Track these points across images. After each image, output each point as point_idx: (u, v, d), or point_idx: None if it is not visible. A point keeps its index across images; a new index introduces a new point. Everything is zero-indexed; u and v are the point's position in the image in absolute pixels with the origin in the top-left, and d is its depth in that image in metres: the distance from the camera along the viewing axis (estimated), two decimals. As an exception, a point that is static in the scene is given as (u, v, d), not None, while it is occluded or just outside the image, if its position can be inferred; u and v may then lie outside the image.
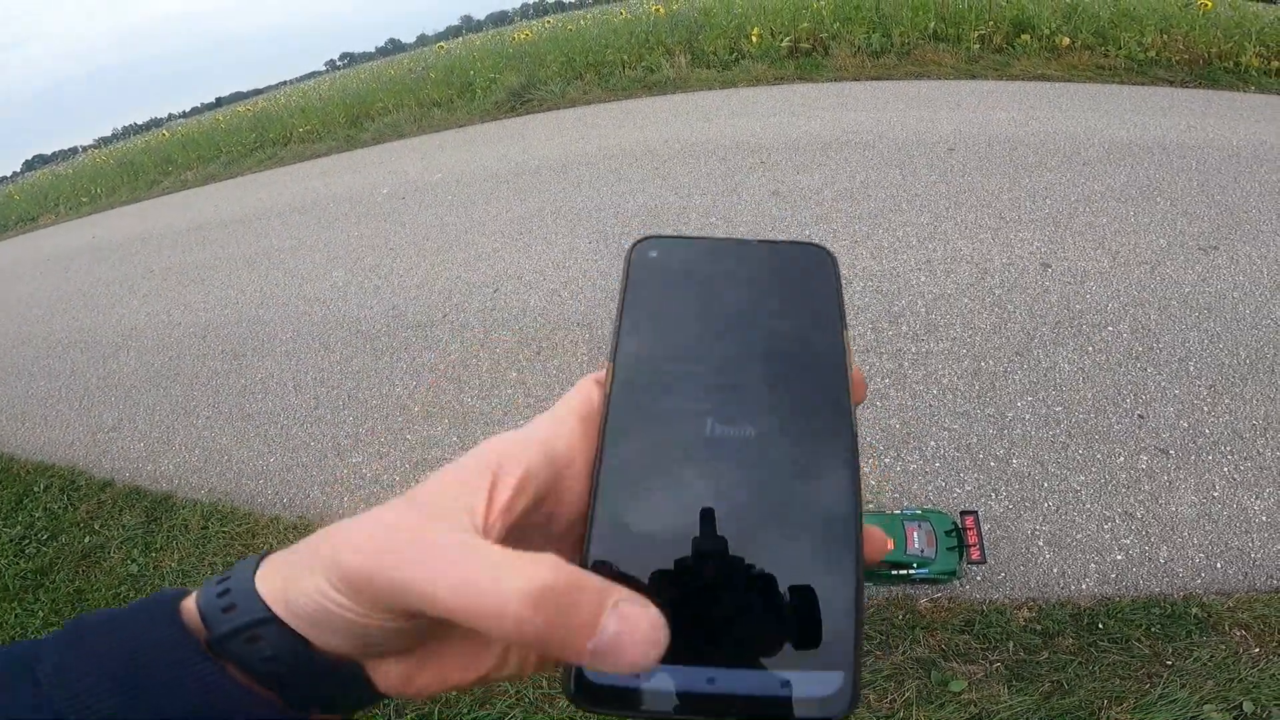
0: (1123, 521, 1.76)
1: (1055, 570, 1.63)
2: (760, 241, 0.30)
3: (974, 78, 5.49)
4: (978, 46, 5.61)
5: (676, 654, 0.22)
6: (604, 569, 0.23)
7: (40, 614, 2.25)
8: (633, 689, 0.22)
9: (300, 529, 2.26)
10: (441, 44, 10.81)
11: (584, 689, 0.22)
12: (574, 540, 0.25)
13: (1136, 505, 1.81)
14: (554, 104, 6.54)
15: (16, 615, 2.28)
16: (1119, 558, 1.65)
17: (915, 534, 1.58)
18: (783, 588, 0.23)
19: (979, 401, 2.24)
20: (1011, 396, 2.26)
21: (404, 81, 8.40)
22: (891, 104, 5.07)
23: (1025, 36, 5.48)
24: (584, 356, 2.78)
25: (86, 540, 2.52)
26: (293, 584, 0.23)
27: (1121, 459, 1.98)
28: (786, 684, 0.22)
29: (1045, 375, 2.36)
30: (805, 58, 5.93)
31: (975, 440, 2.07)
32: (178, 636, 0.23)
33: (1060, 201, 3.47)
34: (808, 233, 3.34)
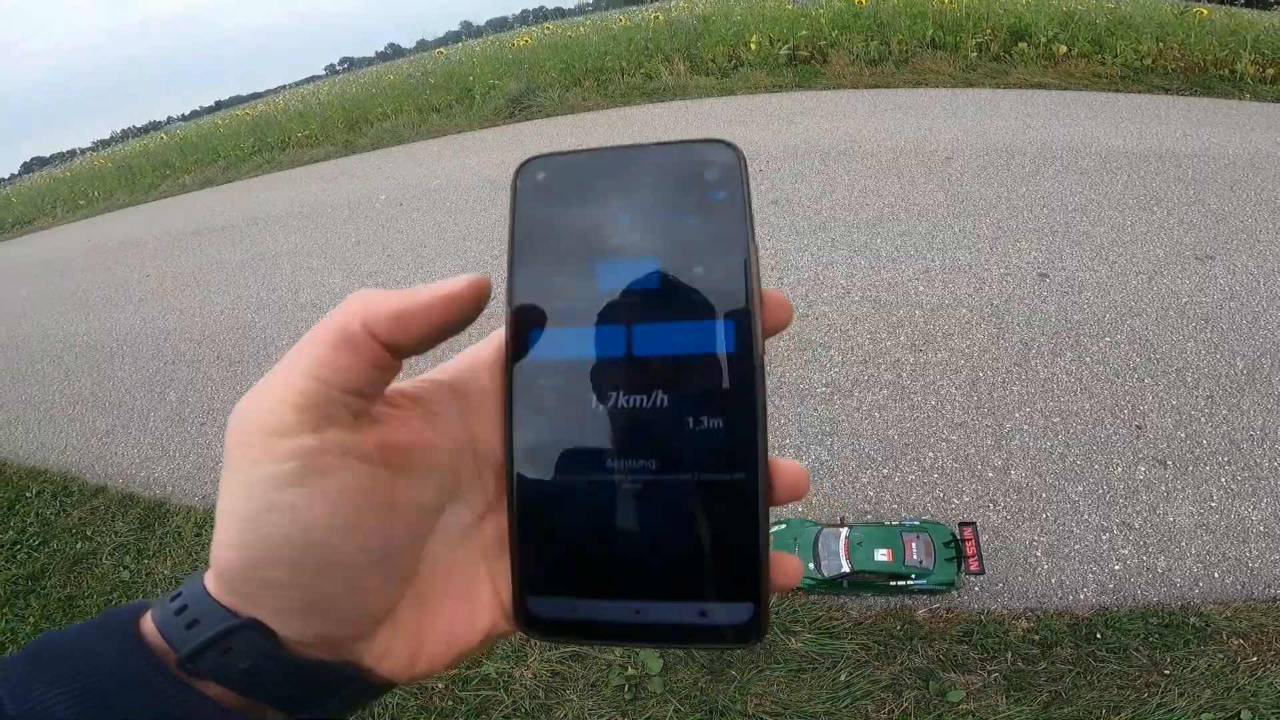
0: (1121, 532, 1.76)
1: (1053, 580, 1.63)
2: (657, 145, 0.27)
3: (971, 86, 5.52)
4: (975, 55, 5.64)
5: (607, 590, 0.25)
6: (529, 517, 0.25)
7: (31, 620, 2.23)
8: (570, 619, 0.25)
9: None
10: (441, 50, 10.83)
11: (530, 620, 0.25)
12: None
13: (1134, 515, 1.81)
14: (553, 111, 6.55)
15: (7, 621, 2.26)
16: (1117, 568, 1.65)
17: (914, 545, 1.58)
18: (695, 527, 0.24)
19: (977, 412, 2.23)
20: (1010, 407, 2.26)
21: (403, 87, 8.42)
22: (889, 112, 5.10)
23: (1022, 45, 5.52)
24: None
25: (78, 546, 2.51)
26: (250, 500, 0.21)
27: (1119, 470, 1.98)
28: (704, 613, 0.24)
29: (1043, 386, 2.36)
30: (803, 65, 5.95)
31: (973, 451, 2.07)
32: (144, 660, 0.22)
33: (1057, 211, 3.49)
34: (806, 242, 3.35)
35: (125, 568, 2.33)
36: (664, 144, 0.27)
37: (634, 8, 9.16)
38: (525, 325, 0.26)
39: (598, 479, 0.25)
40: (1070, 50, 5.35)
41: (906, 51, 5.74)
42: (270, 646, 0.22)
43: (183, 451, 2.99)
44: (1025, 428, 2.17)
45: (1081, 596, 1.59)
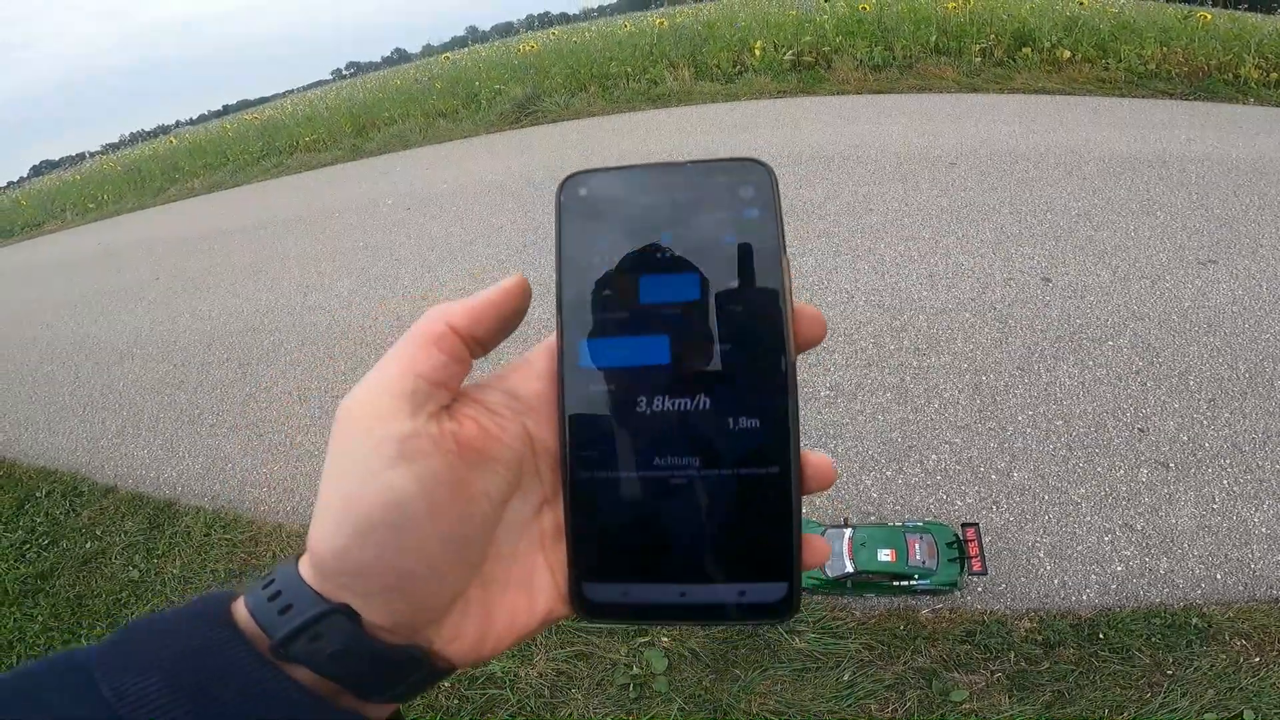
0: (1123, 533, 1.77)
1: (1056, 581, 1.64)
2: (693, 163, 0.29)
3: (975, 91, 5.54)
4: (979, 60, 5.67)
5: (655, 575, 0.27)
6: (583, 511, 0.28)
7: (39, 618, 2.25)
8: (622, 603, 0.27)
9: (303, 537, 2.27)
10: (447, 54, 10.91)
11: (585, 605, 0.27)
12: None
13: (1137, 517, 1.82)
14: (558, 115, 6.59)
15: (15, 620, 2.29)
16: (1119, 569, 1.66)
17: (917, 546, 1.59)
18: (736, 517, 0.27)
19: (980, 415, 2.25)
20: (1013, 410, 2.27)
21: (410, 92, 8.48)
22: (893, 117, 5.12)
23: (1026, 49, 5.54)
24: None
25: (88, 546, 2.53)
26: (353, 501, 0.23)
27: (1122, 472, 1.99)
28: (743, 593, 0.27)
29: (1046, 389, 2.37)
30: (808, 71, 5.99)
31: (976, 453, 2.08)
32: (238, 645, 0.23)
33: (1061, 215, 3.50)
34: (810, 247, 3.37)
35: (135, 567, 2.36)
36: (701, 162, 0.29)
37: (640, 14, 9.22)
38: (576, 334, 0.28)
39: (645, 475, 0.27)
40: (1074, 55, 5.36)
41: (910, 57, 5.77)
42: (357, 631, 0.24)
43: (192, 452, 3.02)
44: (1028, 430, 2.19)
45: (1084, 597, 1.60)
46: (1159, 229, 3.26)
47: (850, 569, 1.59)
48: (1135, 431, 2.16)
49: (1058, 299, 2.87)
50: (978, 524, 1.66)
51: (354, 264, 4.57)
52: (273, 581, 0.25)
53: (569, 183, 0.30)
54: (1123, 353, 2.51)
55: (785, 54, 6.01)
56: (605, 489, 0.27)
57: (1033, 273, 3.07)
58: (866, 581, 1.60)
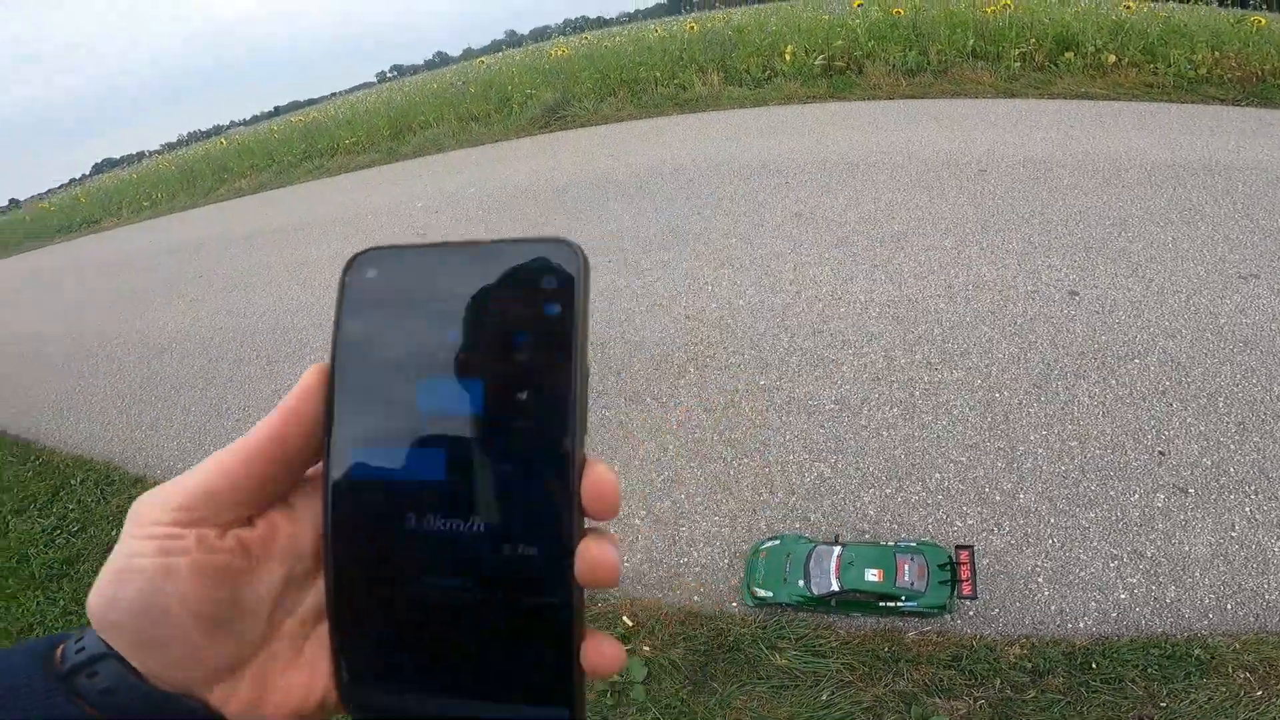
0: (1131, 560, 1.70)
1: (1053, 608, 1.58)
2: (495, 243, 0.26)
3: (1013, 96, 5.37)
4: (1018, 65, 5.50)
5: (425, 687, 0.26)
6: (345, 620, 0.27)
7: (61, 603, 2.38)
8: (390, 712, 0.27)
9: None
10: (482, 59, 11.10)
11: (354, 706, 0.27)
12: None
13: (1148, 544, 1.75)
14: (587, 120, 6.65)
15: (38, 603, 2.42)
16: (1123, 596, 1.60)
17: (906, 566, 1.56)
18: (511, 641, 0.25)
19: (990, 434, 2.18)
20: (1025, 429, 2.20)
21: (445, 96, 8.66)
22: (924, 123, 5.01)
23: (1069, 54, 5.35)
24: (594, 377, 2.81)
25: (114, 533, 2.64)
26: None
27: (1136, 496, 1.91)
28: (522, 714, 0.25)
29: (1063, 408, 2.29)
30: (839, 76, 5.90)
31: (982, 473, 2.02)
32: (40, 674, 0.28)
33: (1094, 225, 3.37)
34: (827, 256, 3.32)
35: (155, 554, 2.47)
36: (503, 242, 0.26)
37: (672, 18, 9.23)
38: (346, 438, 0.26)
39: (411, 594, 0.26)
40: (1120, 59, 5.16)
41: (945, 61, 5.63)
42: (127, 674, 0.27)
43: (217, 445, 3.05)
44: (1040, 451, 2.11)
45: (1081, 625, 1.54)
46: (1199, 241, 3.12)
47: (835, 587, 1.56)
48: (1155, 455, 2.07)
49: (1083, 313, 2.77)
50: (972, 547, 1.62)
51: (381, 265, 4.68)
52: (85, 629, 0.29)
53: (357, 262, 0.27)
54: (1149, 371, 2.41)
55: (816, 59, 5.94)
56: (367, 603, 0.26)
57: (1059, 285, 2.97)
58: (852, 600, 1.57)
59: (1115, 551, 1.73)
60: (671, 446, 2.31)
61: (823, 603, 1.58)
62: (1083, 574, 1.66)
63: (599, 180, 5.06)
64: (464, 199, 5.57)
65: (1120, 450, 2.09)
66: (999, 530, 1.81)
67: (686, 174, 4.75)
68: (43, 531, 2.82)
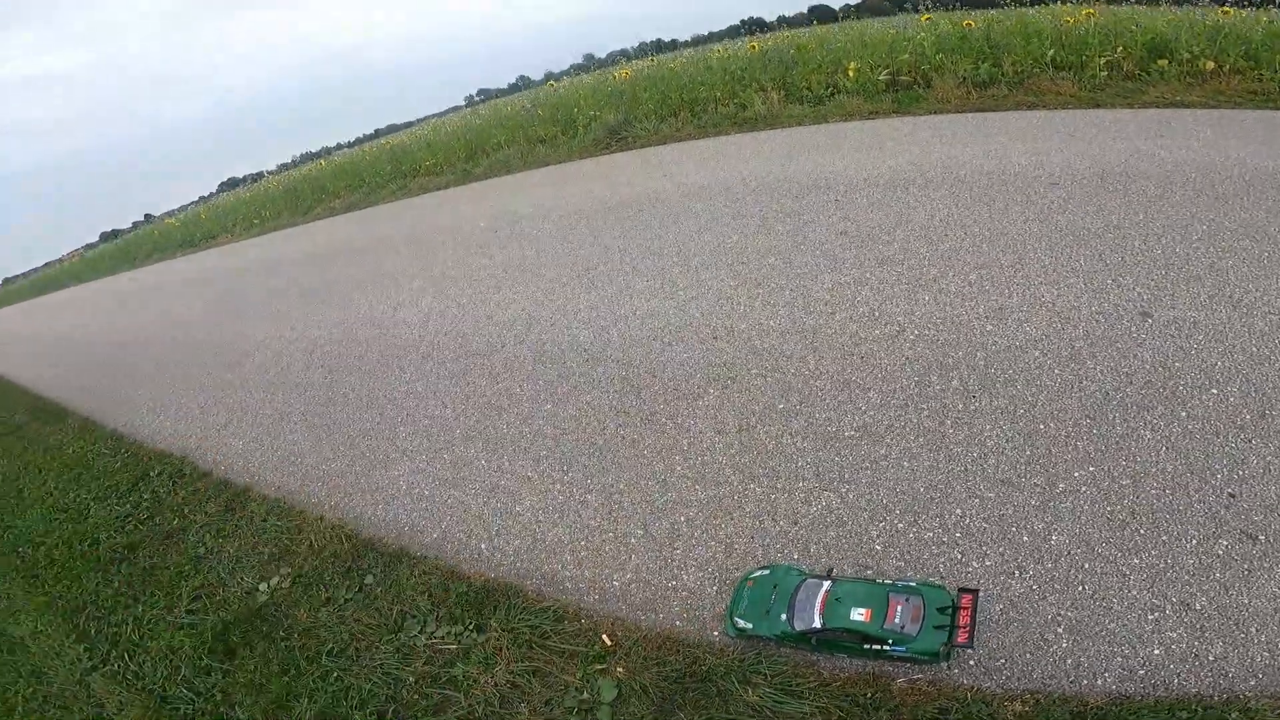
0: (1175, 612, 1.50)
1: (1069, 662, 1.42)
2: None
3: (1098, 106, 4.98)
4: (1105, 74, 5.10)
5: None
6: None
7: (115, 584, 2.61)
8: None
9: (338, 530, 2.46)
10: (553, 82, 11.50)
11: None
12: None
13: (1199, 595, 1.54)
14: (647, 140, 6.73)
15: (96, 584, 2.66)
16: (1156, 652, 1.41)
17: (899, 607, 1.44)
18: None
19: (1027, 468, 2.00)
20: (1069, 465, 2.00)
21: (517, 119, 9.03)
22: (994, 136, 4.73)
23: (1162, 62, 4.91)
24: (614, 394, 2.81)
25: (174, 522, 2.91)
26: None
27: (1194, 542, 1.70)
28: None
29: (1118, 443, 2.07)
30: (904, 91, 5.69)
31: (1011, 511, 1.85)
32: None
33: (1177, 240, 3.05)
34: (868, 275, 3.18)
35: (204, 544, 2.67)
36: None
37: (737, 40, 9.23)
38: None
39: None
40: (1220, 66, 4.68)
41: (1022, 73, 5.30)
42: None
43: (275, 446, 3.38)
44: (1083, 489, 1.92)
45: (1099, 682, 1.37)
46: (1303, 260, 2.76)
47: (817, 624, 1.47)
48: (1224, 497, 1.83)
49: (1154, 338, 2.50)
50: (977, 591, 1.48)
51: (439, 282, 4.91)
52: None
53: None
54: (1228, 403, 2.14)
55: (880, 74, 5.75)
56: None
57: (1129, 306, 2.70)
58: (833, 640, 1.46)
59: (1157, 602, 1.54)
60: (679, 468, 2.27)
61: (804, 640, 1.49)
62: (1112, 626, 1.48)
63: (650, 200, 5.10)
64: (522, 218, 5.76)
65: (1182, 491, 1.86)
66: (1020, 574, 1.65)
67: (736, 192, 4.70)
68: (116, 518, 3.12)
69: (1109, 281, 2.85)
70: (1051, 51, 5.26)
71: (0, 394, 7.07)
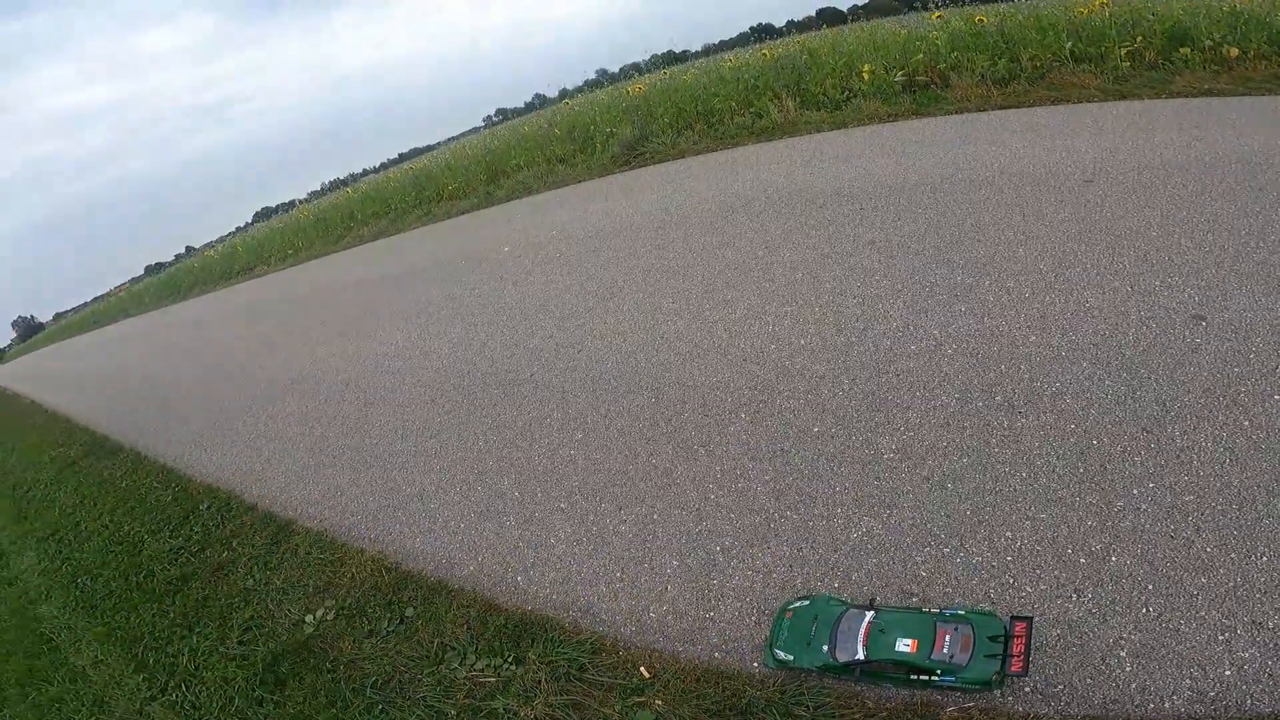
0: (1246, 631, 1.42)
1: (1133, 685, 1.35)
2: None
3: (1124, 98, 4.84)
4: (1128, 64, 4.96)
5: None
6: None
7: (170, 615, 2.68)
8: None
9: (377, 562, 2.49)
10: (567, 100, 11.61)
11: None
12: None
13: (1271, 614, 1.46)
14: (664, 155, 6.75)
15: (153, 614, 2.74)
16: (1227, 673, 1.34)
17: (948, 637, 1.39)
18: None
19: (1081, 487, 1.92)
20: (1127, 482, 1.91)
21: (534, 139, 9.14)
22: (1019, 134, 4.62)
23: (1185, 50, 4.76)
24: (645, 422, 2.79)
25: (224, 555, 2.98)
26: None
27: (1265, 559, 1.60)
28: None
29: (1179, 457, 1.97)
30: (922, 91, 5.60)
31: (1066, 532, 1.78)
32: None
33: (1226, 236, 2.93)
34: (900, 287, 3.12)
35: (252, 577, 2.73)
36: None
37: (747, 48, 9.21)
38: None
39: None
40: (1244, 53, 4.51)
41: (1041, 67, 5.19)
42: None
43: (316, 480, 3.44)
44: (1143, 506, 1.83)
45: (1167, 705, 1.29)
46: (1365, 251, 2.62)
47: (861, 656, 1.43)
48: (1296, 513, 1.73)
49: (1211, 342, 2.38)
50: (1031, 618, 1.42)
51: (466, 311, 4.97)
52: None
53: None
54: (1296, 410, 2.03)
55: (896, 75, 5.68)
56: None
57: (1181, 309, 2.58)
58: (877, 671, 1.42)
59: (1228, 622, 1.46)
60: (714, 495, 2.23)
61: (847, 671, 1.45)
62: (1180, 648, 1.41)
63: (668, 219, 5.10)
64: (543, 242, 5.82)
65: (1249, 506, 1.76)
66: (1078, 597, 1.58)
67: (756, 206, 4.67)
68: (169, 550, 3.21)
69: (1156, 283, 2.74)
70: (1070, 44, 5.14)
71: (58, 429, 7.37)
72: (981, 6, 6.34)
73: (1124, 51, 4.89)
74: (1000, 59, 5.27)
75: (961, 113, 5.22)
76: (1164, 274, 2.78)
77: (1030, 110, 4.94)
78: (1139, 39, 4.90)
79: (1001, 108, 5.10)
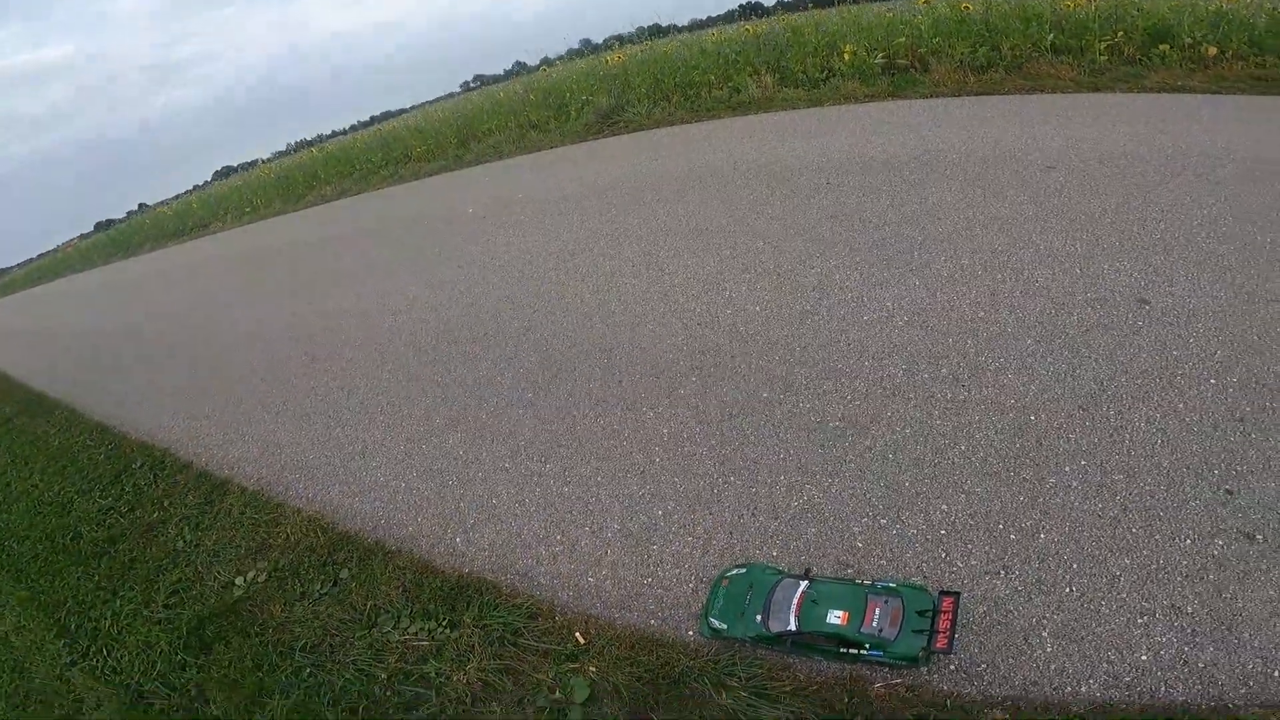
0: (1165, 615, 1.44)
1: (1052, 667, 1.36)
2: None
3: (1097, 90, 4.88)
4: (1105, 59, 4.99)
5: None
6: None
7: (96, 578, 2.56)
8: None
9: (314, 522, 2.41)
10: (545, 68, 11.32)
11: None
12: None
13: (1191, 598, 1.48)
14: (639, 125, 6.62)
15: (76, 578, 2.61)
16: (1143, 658, 1.35)
17: (877, 610, 1.38)
18: None
19: (1015, 462, 1.94)
20: (1060, 459, 1.94)
21: (508, 104, 8.89)
22: (990, 120, 4.63)
23: (1164, 46, 4.81)
24: (596, 382, 2.74)
25: (154, 515, 2.85)
26: None
27: (1188, 542, 1.63)
28: None
29: (1112, 436, 2.00)
30: (901, 74, 5.57)
31: (998, 507, 1.79)
32: None
33: (1178, 224, 2.97)
34: (858, 259, 3.10)
35: (182, 538, 2.62)
36: None
37: (733, 24, 9.07)
38: None
39: None
40: (1223, 52, 4.58)
41: (1020, 56, 5.19)
42: None
43: (254, 437, 3.31)
44: (1074, 484, 1.85)
45: (1083, 689, 1.31)
46: (1307, 245, 2.68)
47: (792, 627, 1.41)
48: (1221, 494, 1.76)
49: (1152, 325, 2.42)
50: (959, 594, 1.42)
51: (427, 270, 4.83)
52: None
53: None
54: (1228, 394, 2.07)
55: (877, 57, 5.63)
56: None
57: (1126, 292, 2.62)
58: (808, 643, 1.41)
59: (1147, 605, 1.48)
60: (659, 458, 2.20)
61: (778, 641, 1.44)
62: (1099, 630, 1.42)
63: (638, 184, 5.01)
64: (510, 204, 5.67)
65: (1177, 487, 1.80)
66: (1006, 574, 1.59)
67: (725, 175, 4.61)
68: (99, 511, 3.07)
69: (1105, 266, 2.77)
70: (1051, 36, 5.15)
71: (-11, 385, 7.00)
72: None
73: (1103, 45, 4.92)
74: (981, 47, 5.26)
75: (937, 97, 5.21)
76: (1113, 258, 2.82)
77: (1004, 98, 4.96)
78: (1120, 34, 4.94)
79: (977, 94, 5.10)
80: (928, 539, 1.71)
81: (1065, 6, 5.25)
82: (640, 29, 11.25)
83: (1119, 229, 3.00)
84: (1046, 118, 4.50)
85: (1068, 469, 1.89)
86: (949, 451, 1.99)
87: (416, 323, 3.94)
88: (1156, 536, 1.66)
